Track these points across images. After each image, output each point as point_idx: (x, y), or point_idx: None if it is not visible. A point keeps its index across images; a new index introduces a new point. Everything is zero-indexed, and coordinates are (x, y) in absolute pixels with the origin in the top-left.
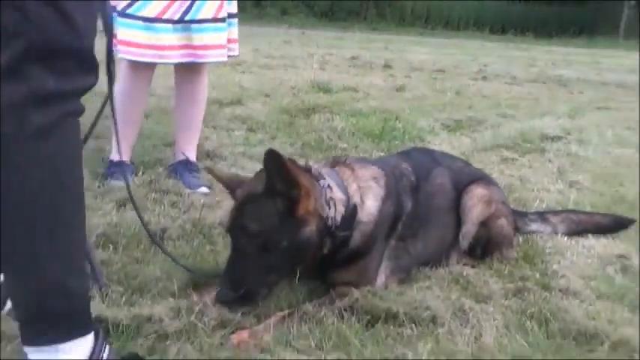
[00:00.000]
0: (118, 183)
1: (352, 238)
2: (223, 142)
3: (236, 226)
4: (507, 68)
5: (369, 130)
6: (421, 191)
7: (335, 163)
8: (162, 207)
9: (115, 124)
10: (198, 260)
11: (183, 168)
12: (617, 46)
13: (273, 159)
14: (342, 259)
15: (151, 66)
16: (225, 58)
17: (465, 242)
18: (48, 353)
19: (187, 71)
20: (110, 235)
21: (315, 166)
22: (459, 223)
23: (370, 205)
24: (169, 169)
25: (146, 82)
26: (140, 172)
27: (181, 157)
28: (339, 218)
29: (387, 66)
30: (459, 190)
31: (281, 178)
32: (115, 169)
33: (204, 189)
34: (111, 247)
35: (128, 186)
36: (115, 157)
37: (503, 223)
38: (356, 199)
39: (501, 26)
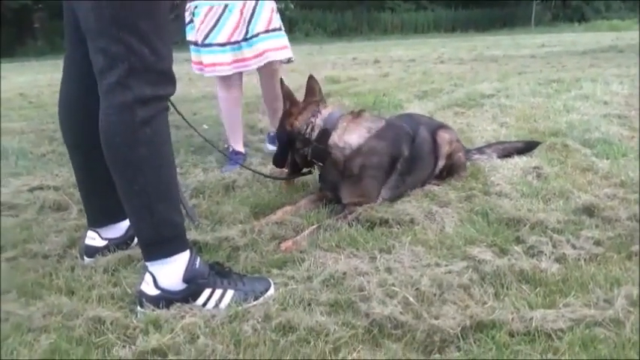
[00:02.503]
0: (232, 167)
1: (333, 155)
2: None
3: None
4: (456, 54)
5: (366, 103)
6: (415, 143)
7: (352, 112)
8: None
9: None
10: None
11: (273, 139)
12: (530, 32)
13: (285, 90)
14: (347, 181)
15: (235, 76)
16: (289, 55)
17: (437, 170)
18: (163, 263)
19: (264, 75)
20: (199, 188)
21: (329, 106)
22: (435, 158)
23: (350, 138)
24: (268, 138)
25: (238, 89)
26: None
27: (273, 133)
28: (314, 136)
29: (376, 61)
30: (432, 135)
31: (290, 102)
32: (232, 156)
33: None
34: (200, 196)
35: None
36: (233, 146)
37: (460, 155)
38: (338, 131)
39: (452, 27)
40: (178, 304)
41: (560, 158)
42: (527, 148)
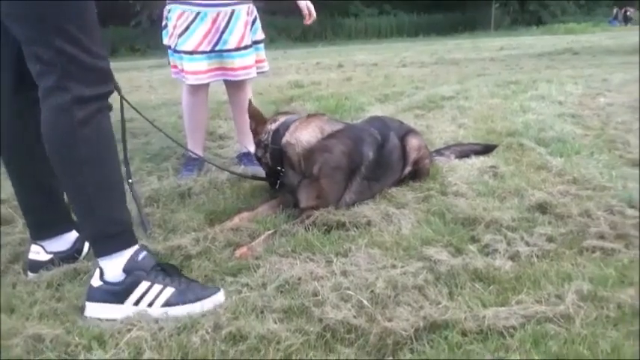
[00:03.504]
0: (188, 174)
1: (288, 154)
2: (231, 127)
3: None
4: (418, 57)
5: (328, 107)
6: (385, 148)
7: (309, 115)
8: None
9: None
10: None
11: (245, 158)
12: (490, 35)
13: (251, 110)
14: (304, 183)
15: (202, 86)
16: (253, 75)
17: (402, 175)
18: (110, 258)
19: (231, 88)
20: (153, 197)
21: (288, 115)
22: (403, 164)
23: (300, 135)
24: (237, 158)
25: (203, 97)
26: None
27: (244, 150)
28: (269, 140)
29: (340, 66)
30: (401, 141)
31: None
32: (189, 163)
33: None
34: (154, 204)
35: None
36: (190, 154)
37: (427, 162)
38: (290, 130)
39: (414, 31)
40: (125, 316)
41: (515, 157)
42: (484, 150)
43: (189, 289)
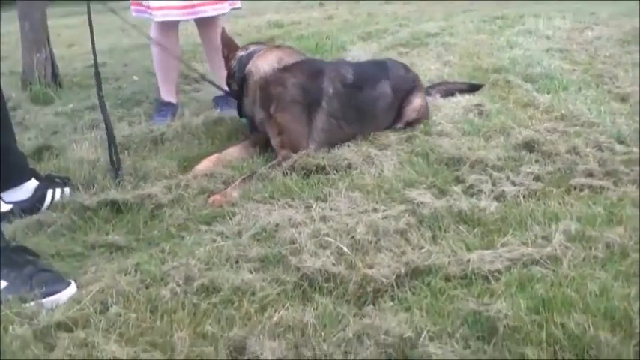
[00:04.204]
0: (161, 120)
1: (252, 80)
2: (206, 69)
3: None
4: None
5: (309, 47)
6: (363, 91)
7: (272, 45)
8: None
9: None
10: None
11: (221, 100)
12: None
13: (224, 37)
14: (267, 119)
15: (172, 25)
16: (225, 11)
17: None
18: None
19: (203, 27)
20: (124, 144)
21: (254, 45)
22: (397, 116)
23: (260, 65)
24: (212, 101)
25: (174, 37)
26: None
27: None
28: (236, 67)
29: (321, 4)
30: (400, 95)
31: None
32: (162, 108)
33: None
34: (126, 152)
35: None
36: (163, 97)
37: (422, 118)
38: (253, 59)
39: None
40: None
41: (502, 94)
42: (470, 89)
43: (29, 281)
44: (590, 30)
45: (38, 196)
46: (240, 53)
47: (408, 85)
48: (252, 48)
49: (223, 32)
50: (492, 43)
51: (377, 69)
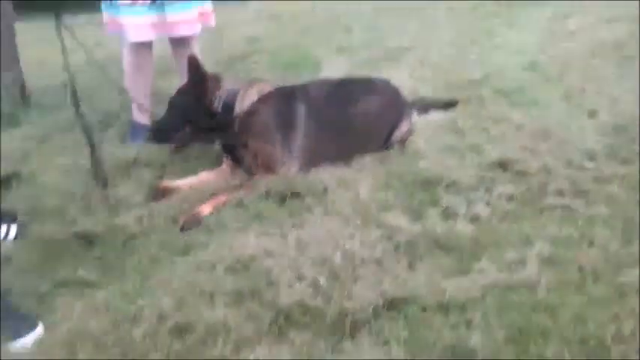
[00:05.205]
0: (136, 142)
1: (237, 117)
2: None
3: (170, 100)
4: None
5: (284, 62)
6: (339, 110)
7: (250, 80)
8: None
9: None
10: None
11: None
12: None
13: (195, 63)
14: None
15: (146, 44)
16: (196, 31)
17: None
18: None
19: (176, 46)
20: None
21: (228, 79)
22: (383, 134)
23: (245, 102)
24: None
25: (148, 57)
26: None
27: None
28: (219, 109)
29: (294, 16)
30: (389, 120)
31: (197, 79)
32: (135, 130)
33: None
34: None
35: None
36: (136, 118)
37: (406, 139)
38: (238, 99)
39: None
40: None
41: (475, 110)
42: (445, 106)
43: None
44: (559, 42)
45: None
46: (221, 94)
47: (397, 109)
48: (228, 87)
49: (193, 58)
50: (465, 57)
51: (360, 88)
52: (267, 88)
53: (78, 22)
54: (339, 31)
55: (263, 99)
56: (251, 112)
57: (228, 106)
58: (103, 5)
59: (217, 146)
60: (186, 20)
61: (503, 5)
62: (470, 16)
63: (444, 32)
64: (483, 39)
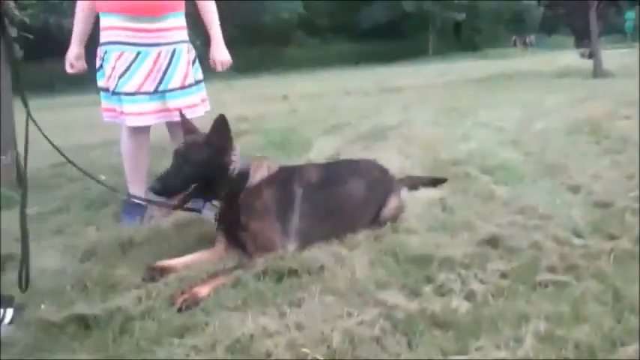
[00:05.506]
0: (131, 221)
1: (245, 190)
2: None
3: (180, 152)
4: (361, 86)
5: (274, 141)
6: (331, 191)
7: (257, 157)
8: None
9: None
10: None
11: (132, 208)
12: (428, 61)
13: (224, 122)
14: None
15: (144, 128)
16: (200, 114)
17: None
18: None
19: (175, 129)
20: (91, 250)
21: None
22: (371, 212)
23: (256, 177)
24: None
25: (145, 140)
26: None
27: None
28: (235, 174)
29: (284, 97)
30: (377, 197)
31: (222, 135)
32: (131, 209)
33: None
34: (93, 258)
35: None
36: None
37: (399, 216)
38: (251, 171)
39: (356, 59)
40: None
41: (462, 187)
42: (433, 183)
43: None
44: (538, 120)
45: None
46: (238, 161)
47: (383, 187)
48: (237, 151)
49: (222, 116)
50: (449, 135)
51: (348, 169)
52: (274, 166)
53: (70, 100)
54: (325, 111)
55: (269, 178)
56: (255, 191)
57: (243, 175)
58: (102, 95)
59: (212, 224)
60: (189, 105)
61: (480, 86)
62: (450, 95)
63: (426, 111)
64: (464, 118)
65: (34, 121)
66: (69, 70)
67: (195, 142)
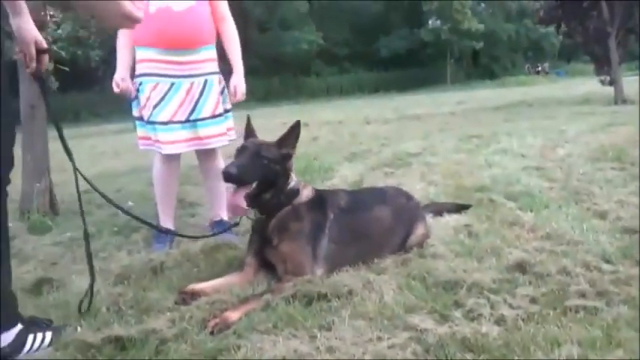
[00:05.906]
0: (160, 247)
1: (295, 204)
2: (201, 193)
3: (250, 147)
4: (381, 114)
5: (298, 169)
6: (358, 217)
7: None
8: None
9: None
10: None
11: (218, 226)
12: (447, 90)
13: (299, 127)
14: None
15: (175, 155)
16: (226, 143)
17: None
18: None
19: (203, 156)
20: (123, 274)
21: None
22: (398, 237)
23: (303, 196)
24: (209, 226)
25: (176, 166)
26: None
27: (217, 219)
28: (289, 188)
29: (305, 125)
30: (403, 224)
31: (292, 140)
32: (161, 235)
33: (232, 237)
34: (125, 282)
35: None
36: (162, 224)
37: (425, 242)
38: (300, 189)
39: (375, 88)
40: None
41: (487, 214)
42: (458, 209)
43: None
44: (561, 147)
45: (18, 343)
46: (292, 180)
47: (410, 214)
48: (300, 187)
49: (297, 123)
50: (472, 162)
51: (375, 196)
52: (312, 190)
53: (94, 129)
54: (345, 139)
55: (310, 201)
56: (296, 211)
57: (294, 191)
58: (137, 124)
59: (240, 247)
60: (218, 134)
61: (500, 114)
62: (470, 123)
63: (446, 139)
64: (485, 145)
65: (68, 154)
66: (115, 89)
67: (264, 141)
